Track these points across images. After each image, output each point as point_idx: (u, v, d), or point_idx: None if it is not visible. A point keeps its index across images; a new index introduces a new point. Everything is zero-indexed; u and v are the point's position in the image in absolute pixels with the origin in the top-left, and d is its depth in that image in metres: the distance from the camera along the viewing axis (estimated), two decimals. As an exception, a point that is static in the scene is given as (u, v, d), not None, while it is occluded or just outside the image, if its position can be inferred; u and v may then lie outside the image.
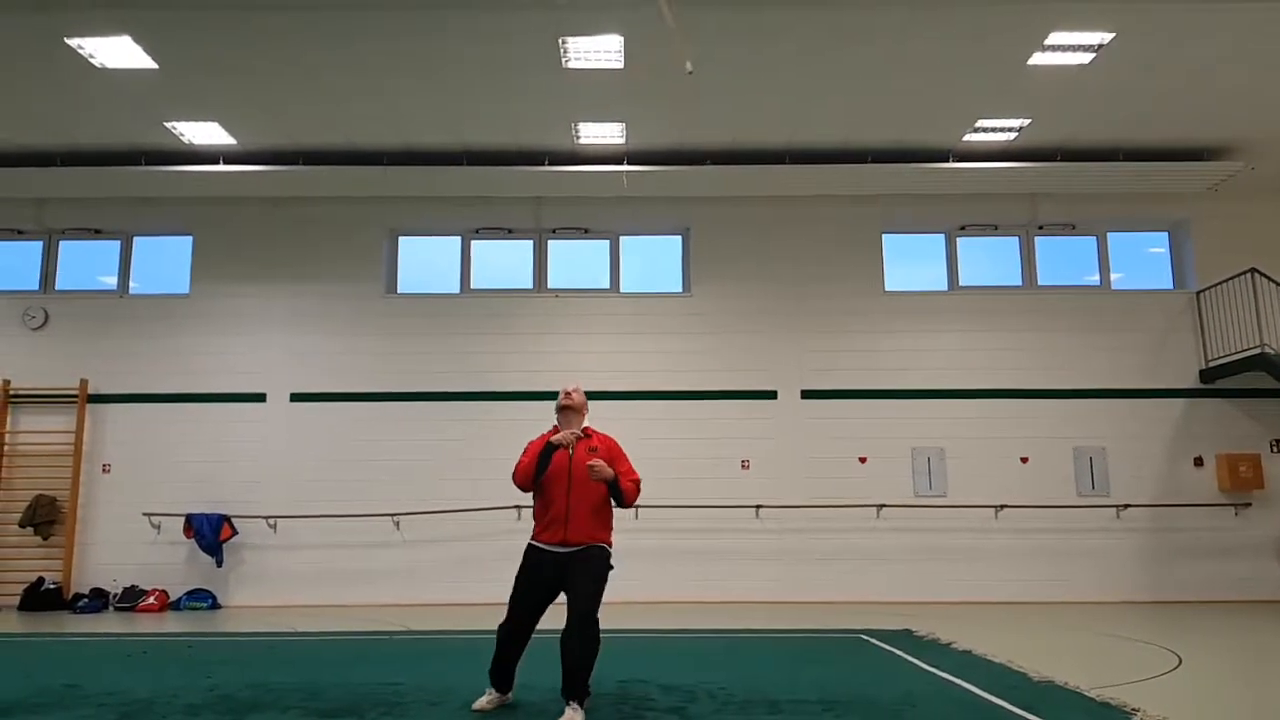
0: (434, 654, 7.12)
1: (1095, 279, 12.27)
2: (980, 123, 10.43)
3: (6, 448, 11.55)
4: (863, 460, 11.51)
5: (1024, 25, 8.38)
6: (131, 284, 12.26)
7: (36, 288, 12.15)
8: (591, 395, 5.62)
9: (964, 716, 4.86)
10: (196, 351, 11.76)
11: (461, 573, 11.06)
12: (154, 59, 8.84)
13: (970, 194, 11.75)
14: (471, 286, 12.25)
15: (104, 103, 9.76)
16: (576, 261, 12.38)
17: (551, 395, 5.36)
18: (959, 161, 11.10)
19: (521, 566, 5.02)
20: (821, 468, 11.42)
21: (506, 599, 4.98)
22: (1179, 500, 11.32)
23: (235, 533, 11.21)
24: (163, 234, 12.33)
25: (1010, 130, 10.60)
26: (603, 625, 4.81)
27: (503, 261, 12.36)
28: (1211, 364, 11.49)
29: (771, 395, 11.68)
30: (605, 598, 4.87)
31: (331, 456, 11.49)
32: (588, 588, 4.81)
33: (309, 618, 9.81)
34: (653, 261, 12.42)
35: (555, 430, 5.14)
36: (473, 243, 12.34)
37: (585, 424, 5.23)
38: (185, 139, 10.64)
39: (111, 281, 12.28)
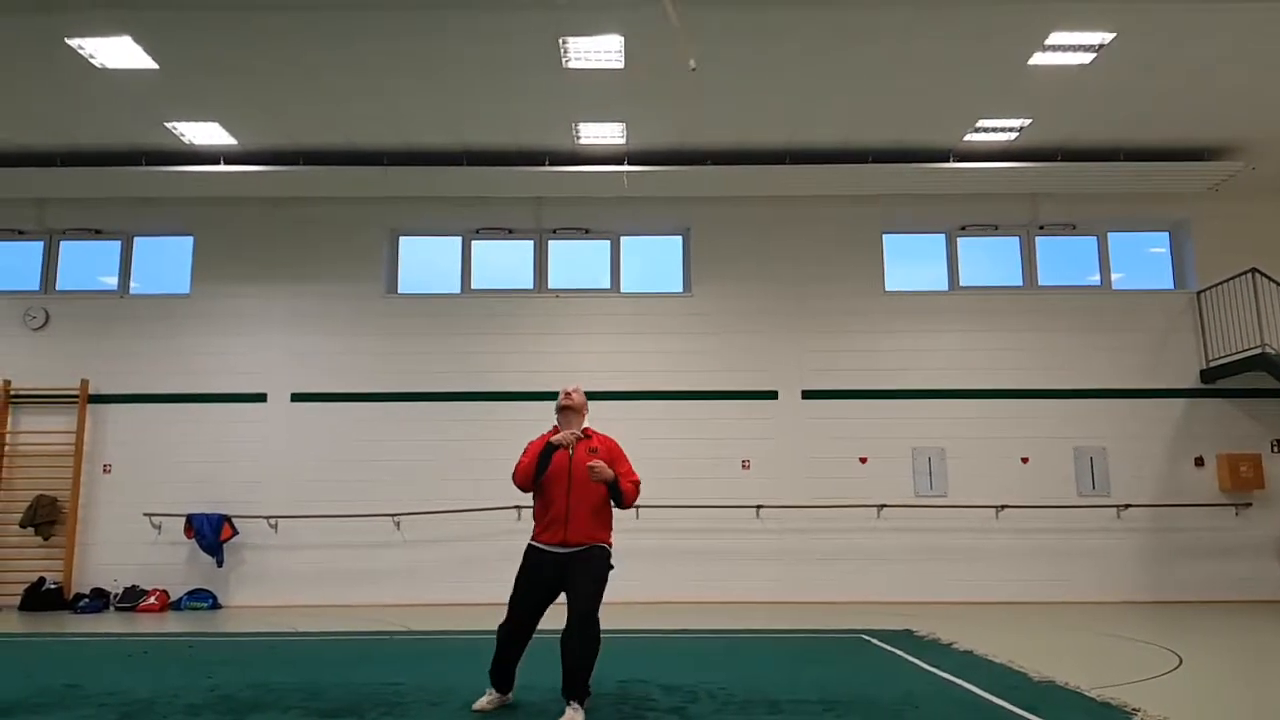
0: (435, 654, 7.12)
1: (1096, 279, 12.27)
2: (981, 123, 10.43)
3: (7, 448, 11.56)
4: (863, 460, 11.50)
5: (1025, 25, 8.39)
6: (132, 284, 12.27)
7: (37, 288, 12.16)
8: (592, 395, 5.62)
9: (965, 717, 4.86)
10: (197, 352, 11.77)
11: (462, 573, 11.06)
12: (154, 59, 8.85)
13: (971, 194, 11.75)
14: (472, 287, 12.25)
15: (104, 103, 9.76)
16: (577, 262, 12.38)
17: (552, 395, 5.35)
18: (959, 161, 11.10)
19: (521, 567, 5.01)
20: (822, 468, 11.42)
21: (507, 599, 4.98)
22: (1179, 500, 11.32)
23: (236, 533, 11.21)
24: (163, 234, 12.34)
25: (1011, 130, 10.60)
26: (603, 625, 4.82)
27: (503, 262, 12.36)
28: (1212, 364, 11.49)
29: (772, 395, 11.68)
30: (605, 598, 4.87)
31: (332, 457, 11.49)
32: (588, 588, 4.81)
33: (309, 618, 9.81)
34: (653, 262, 12.42)
35: (555, 430, 5.14)
36: (473, 243, 12.34)
37: (585, 424, 5.23)
38: (185, 139, 10.64)
39: (112, 282, 12.28)
